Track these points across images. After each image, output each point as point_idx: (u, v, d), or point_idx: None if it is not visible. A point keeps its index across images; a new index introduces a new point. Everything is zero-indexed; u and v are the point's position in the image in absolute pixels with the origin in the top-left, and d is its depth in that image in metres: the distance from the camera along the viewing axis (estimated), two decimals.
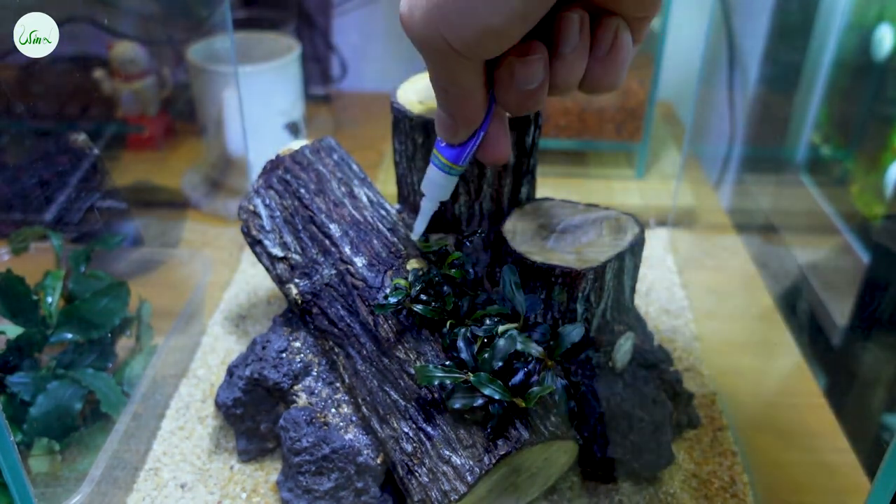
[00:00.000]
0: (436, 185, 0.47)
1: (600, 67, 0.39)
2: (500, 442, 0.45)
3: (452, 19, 0.34)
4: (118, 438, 0.55)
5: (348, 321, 0.53)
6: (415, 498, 0.48)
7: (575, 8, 0.37)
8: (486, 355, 0.46)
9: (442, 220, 0.61)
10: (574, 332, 0.48)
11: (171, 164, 0.94)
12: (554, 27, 0.37)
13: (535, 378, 0.47)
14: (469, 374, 0.46)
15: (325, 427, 0.53)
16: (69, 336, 0.59)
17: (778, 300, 0.72)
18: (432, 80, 0.40)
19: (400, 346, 0.50)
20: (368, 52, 1.18)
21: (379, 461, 0.51)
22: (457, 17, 0.33)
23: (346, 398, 0.54)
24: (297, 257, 0.57)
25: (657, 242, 0.87)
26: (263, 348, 0.57)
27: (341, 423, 0.53)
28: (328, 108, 1.15)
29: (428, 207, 0.50)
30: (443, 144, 0.45)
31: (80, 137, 0.68)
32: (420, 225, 0.52)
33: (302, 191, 0.58)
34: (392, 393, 0.49)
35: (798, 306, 0.72)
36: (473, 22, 0.33)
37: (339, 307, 0.54)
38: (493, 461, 0.45)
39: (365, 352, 0.52)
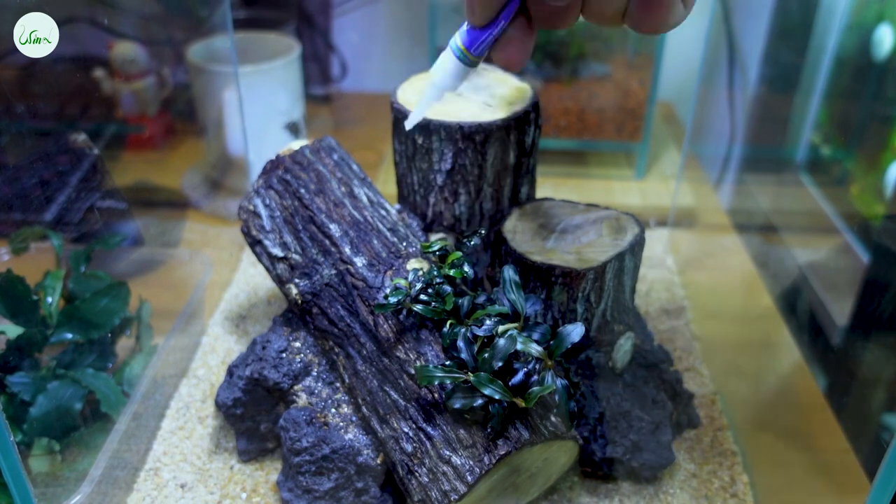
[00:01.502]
0: (445, 69, 0.45)
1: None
2: (500, 442, 0.45)
3: None
4: (118, 438, 0.55)
5: (348, 321, 0.53)
6: (415, 498, 0.48)
7: None
8: (486, 355, 0.46)
9: (442, 220, 0.61)
10: (574, 332, 0.48)
11: (171, 164, 0.93)
12: None
13: (535, 378, 0.47)
14: (469, 374, 0.46)
15: (325, 427, 0.53)
16: (69, 336, 0.59)
17: (778, 300, 0.72)
18: None
19: (400, 346, 0.50)
20: (368, 52, 1.18)
21: (379, 461, 0.51)
22: None
23: (346, 398, 0.54)
24: (297, 257, 0.57)
25: (657, 242, 0.87)
26: (263, 348, 0.57)
27: (341, 423, 0.53)
28: (328, 108, 1.15)
29: (431, 94, 0.47)
30: (464, 28, 0.44)
31: (80, 137, 0.68)
32: (417, 114, 0.50)
33: (302, 191, 0.58)
34: (392, 393, 0.49)
35: (798, 306, 0.72)
36: None
37: (339, 307, 0.54)
38: (493, 461, 0.45)
39: (365, 352, 0.52)
